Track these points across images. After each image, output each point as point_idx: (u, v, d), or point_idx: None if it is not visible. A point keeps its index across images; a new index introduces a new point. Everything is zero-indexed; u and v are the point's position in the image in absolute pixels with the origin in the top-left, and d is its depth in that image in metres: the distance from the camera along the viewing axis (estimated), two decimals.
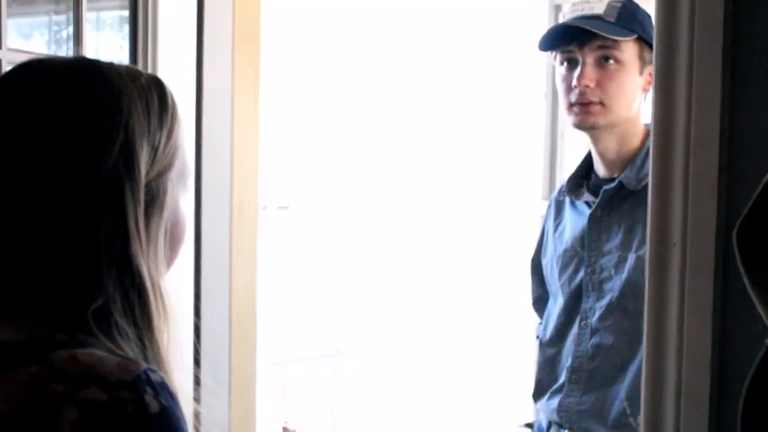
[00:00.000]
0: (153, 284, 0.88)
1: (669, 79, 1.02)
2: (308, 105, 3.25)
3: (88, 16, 1.91)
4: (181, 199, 0.96)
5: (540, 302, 2.03)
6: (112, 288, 0.85)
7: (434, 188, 3.69)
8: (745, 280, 0.88)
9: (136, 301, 0.86)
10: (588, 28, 1.72)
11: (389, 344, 3.60)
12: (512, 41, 3.54)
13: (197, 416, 0.95)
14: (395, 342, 3.61)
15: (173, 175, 0.93)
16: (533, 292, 2.06)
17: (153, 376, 0.80)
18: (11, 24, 1.87)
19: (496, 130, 3.78)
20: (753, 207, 0.88)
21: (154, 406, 0.78)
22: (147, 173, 0.89)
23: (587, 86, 1.72)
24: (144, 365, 0.80)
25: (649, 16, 1.78)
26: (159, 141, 0.90)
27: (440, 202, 3.71)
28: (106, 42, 2.24)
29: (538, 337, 2.03)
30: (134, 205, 0.86)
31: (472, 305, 3.79)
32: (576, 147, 2.86)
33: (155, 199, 0.90)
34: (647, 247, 1.05)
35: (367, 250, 3.52)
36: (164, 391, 0.80)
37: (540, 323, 2.05)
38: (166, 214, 0.92)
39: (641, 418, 1.03)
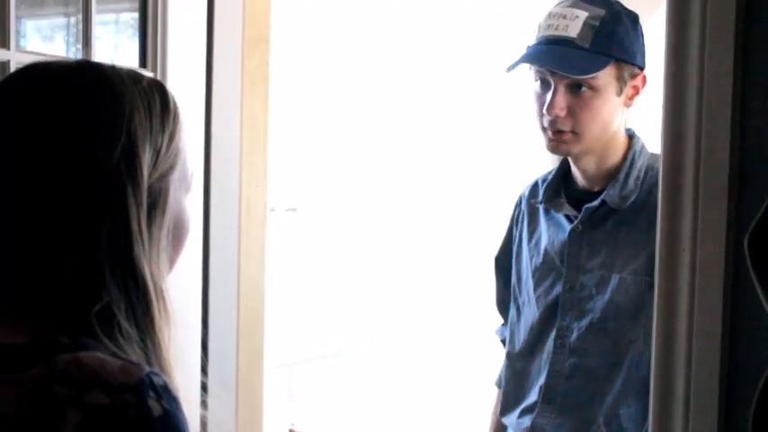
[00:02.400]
0: (155, 286, 0.88)
1: (680, 85, 1.01)
2: (317, 108, 3.25)
3: (99, 18, 1.91)
4: (183, 200, 0.96)
5: (504, 305, 1.94)
6: (115, 290, 0.84)
7: (440, 190, 3.68)
8: (757, 286, 0.87)
9: (138, 303, 0.86)
10: (554, 69, 1.60)
11: (396, 345, 3.60)
12: (518, 41, 3.53)
13: (203, 419, 0.94)
14: (401, 343, 3.61)
15: (175, 177, 0.93)
16: (498, 293, 1.97)
17: (156, 380, 0.80)
18: (23, 25, 1.88)
19: (501, 131, 3.77)
20: (765, 213, 0.88)
21: (156, 409, 0.77)
22: (150, 175, 0.89)
23: (558, 116, 1.61)
24: (147, 369, 0.80)
25: (634, 25, 1.65)
26: (161, 144, 0.90)
27: (446, 204, 3.71)
28: (116, 44, 2.24)
29: (502, 341, 1.95)
30: (136, 207, 0.86)
31: (477, 306, 3.78)
32: None
33: (157, 201, 0.90)
34: (657, 253, 1.05)
35: (374, 253, 3.52)
36: (166, 395, 0.79)
37: (503, 325, 1.97)
38: (168, 216, 0.92)
39: (649, 426, 1.02)
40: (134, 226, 0.86)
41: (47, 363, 0.78)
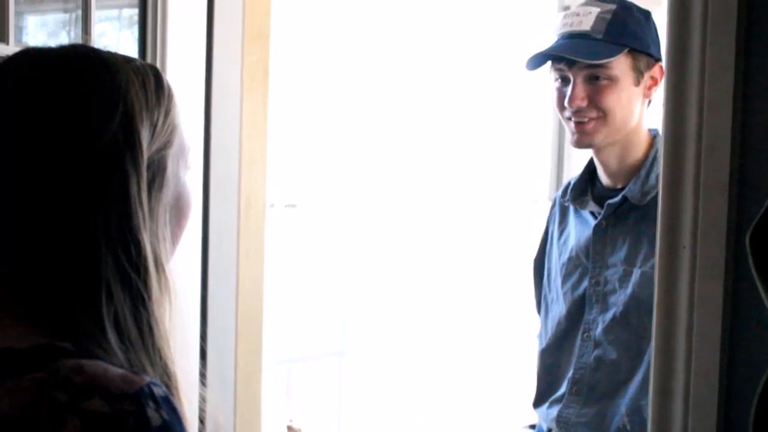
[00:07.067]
0: (156, 258, 0.87)
1: (681, 82, 1.01)
2: (316, 104, 3.24)
3: (99, 14, 1.91)
4: (182, 177, 0.95)
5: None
6: (111, 262, 0.83)
7: (441, 188, 3.68)
8: (759, 285, 0.87)
9: (137, 275, 0.85)
10: (570, 57, 1.68)
11: (395, 343, 3.60)
12: (519, 41, 3.53)
13: (202, 417, 0.94)
14: (401, 341, 3.61)
15: (173, 153, 0.93)
16: (537, 295, 2.01)
17: (156, 390, 0.79)
18: (22, 21, 1.88)
19: (503, 129, 3.77)
20: (766, 211, 0.88)
21: (155, 419, 0.77)
22: (148, 147, 0.89)
23: (579, 107, 1.70)
24: (147, 379, 0.80)
25: (646, 18, 1.73)
26: (158, 117, 0.90)
27: (447, 202, 3.71)
28: (116, 40, 2.23)
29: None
30: (136, 177, 0.86)
31: (478, 305, 3.79)
32: None
33: (156, 175, 0.90)
34: (657, 250, 1.05)
35: (374, 250, 3.52)
36: (166, 405, 0.79)
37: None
38: (168, 191, 0.92)
39: (648, 425, 1.03)
40: (133, 195, 0.85)
41: (48, 368, 0.77)
